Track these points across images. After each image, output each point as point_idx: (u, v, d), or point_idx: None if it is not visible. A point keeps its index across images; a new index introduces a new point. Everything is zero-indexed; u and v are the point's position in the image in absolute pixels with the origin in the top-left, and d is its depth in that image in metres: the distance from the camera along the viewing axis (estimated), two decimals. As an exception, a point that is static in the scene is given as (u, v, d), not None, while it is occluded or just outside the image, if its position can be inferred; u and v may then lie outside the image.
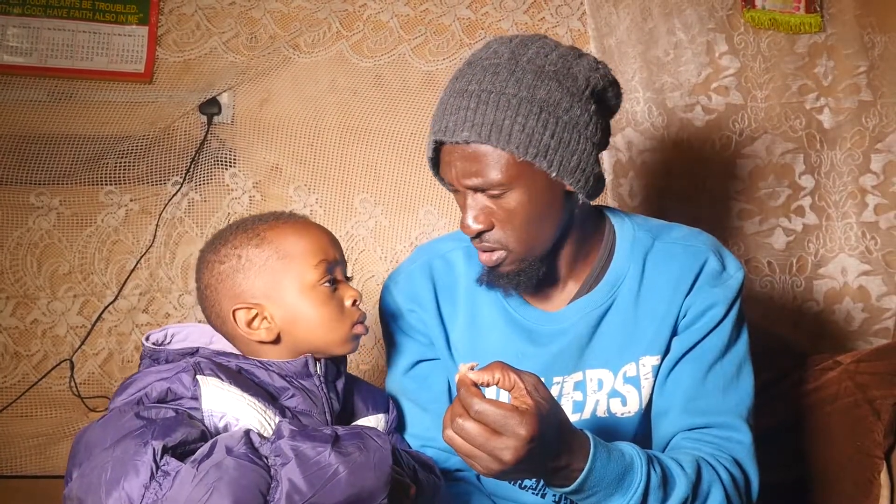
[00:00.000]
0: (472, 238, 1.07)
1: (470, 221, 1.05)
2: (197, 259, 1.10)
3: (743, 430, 1.10)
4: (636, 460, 0.97)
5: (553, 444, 0.89)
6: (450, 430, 0.86)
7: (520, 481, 1.20)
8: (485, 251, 1.08)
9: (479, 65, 1.03)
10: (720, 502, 1.04)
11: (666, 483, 0.98)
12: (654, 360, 1.13)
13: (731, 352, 1.13)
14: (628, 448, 0.98)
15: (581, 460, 0.91)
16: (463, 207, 1.07)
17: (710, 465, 1.06)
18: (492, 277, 1.11)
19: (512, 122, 0.98)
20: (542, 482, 1.19)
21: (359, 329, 1.08)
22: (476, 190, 1.03)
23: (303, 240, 1.06)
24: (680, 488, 0.99)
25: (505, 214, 1.04)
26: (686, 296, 1.12)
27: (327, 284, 1.06)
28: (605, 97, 1.08)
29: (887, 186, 1.99)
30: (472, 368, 0.89)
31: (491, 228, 1.05)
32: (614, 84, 1.09)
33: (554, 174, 1.01)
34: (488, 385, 0.89)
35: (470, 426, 0.85)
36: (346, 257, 1.14)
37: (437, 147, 1.07)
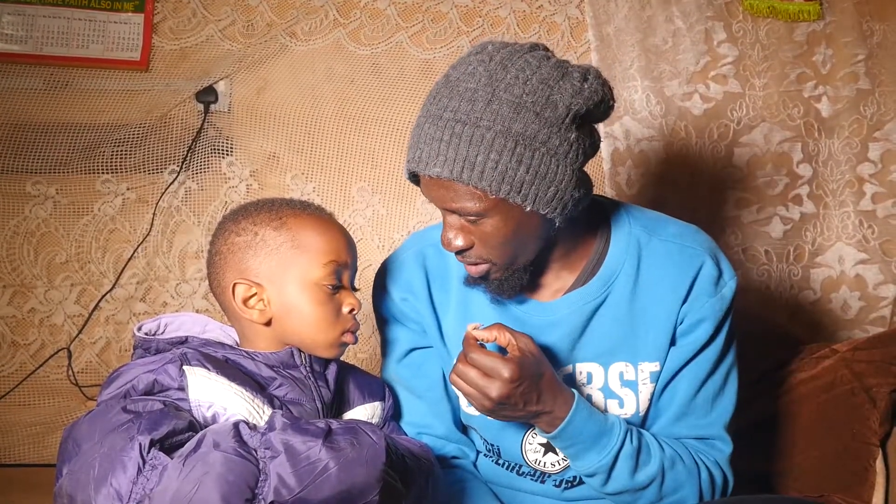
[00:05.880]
0: (455, 253, 1.08)
1: (449, 239, 1.06)
2: (217, 224, 1.11)
3: (726, 440, 1.17)
4: (616, 427, 1.09)
5: (534, 390, 1.04)
6: (453, 373, 1.04)
7: (518, 467, 1.21)
8: (469, 265, 1.09)
9: (455, 87, 1.00)
10: (692, 495, 1.13)
11: (639, 454, 1.10)
12: (654, 366, 1.15)
13: (721, 363, 1.17)
14: (613, 416, 1.12)
15: (564, 411, 1.06)
16: (444, 223, 1.07)
17: (694, 458, 1.14)
18: (477, 281, 1.12)
19: (485, 158, 0.96)
20: (538, 471, 1.20)
21: (348, 338, 1.09)
22: (453, 212, 1.04)
23: (320, 236, 1.07)
24: (653, 465, 1.11)
25: (482, 236, 1.04)
26: (683, 303, 1.13)
27: (330, 286, 1.06)
28: (590, 117, 1.04)
29: (885, 175, 1.99)
30: (475, 328, 1.07)
31: (470, 247, 1.06)
32: (601, 102, 1.02)
33: (528, 207, 1.00)
34: (488, 341, 1.05)
35: (466, 369, 1.03)
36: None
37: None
